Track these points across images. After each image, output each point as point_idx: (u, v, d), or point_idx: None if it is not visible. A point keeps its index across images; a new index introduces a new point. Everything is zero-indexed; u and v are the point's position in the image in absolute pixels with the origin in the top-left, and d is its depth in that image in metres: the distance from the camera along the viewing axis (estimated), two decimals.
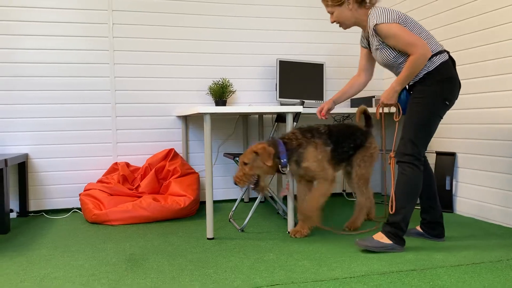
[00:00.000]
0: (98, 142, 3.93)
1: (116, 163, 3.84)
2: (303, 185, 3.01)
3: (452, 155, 3.60)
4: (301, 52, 4.41)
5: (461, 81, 2.75)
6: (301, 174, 2.90)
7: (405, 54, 2.56)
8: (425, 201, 2.79)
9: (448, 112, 3.48)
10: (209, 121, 2.85)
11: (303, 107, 3.07)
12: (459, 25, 3.53)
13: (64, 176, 3.86)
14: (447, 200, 3.62)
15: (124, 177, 3.73)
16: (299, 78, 4.18)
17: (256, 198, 3.24)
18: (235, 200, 4.28)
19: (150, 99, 4.03)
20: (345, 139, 2.98)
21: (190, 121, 4.16)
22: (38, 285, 2.11)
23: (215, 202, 4.23)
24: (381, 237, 2.57)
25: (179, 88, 4.10)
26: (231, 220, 3.42)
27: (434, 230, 2.79)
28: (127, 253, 2.62)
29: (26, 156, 3.72)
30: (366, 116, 3.16)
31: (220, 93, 3.92)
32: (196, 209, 3.70)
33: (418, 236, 2.85)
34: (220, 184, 4.25)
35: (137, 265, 2.41)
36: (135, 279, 2.19)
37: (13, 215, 3.70)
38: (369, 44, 2.77)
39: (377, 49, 2.65)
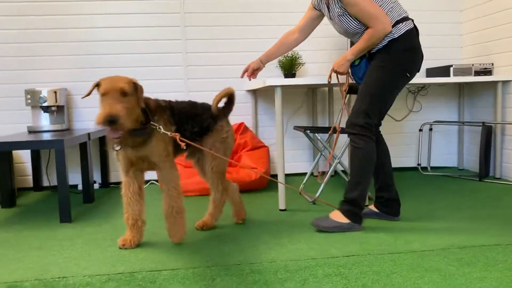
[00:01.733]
0: None
1: None
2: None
3: None
4: None
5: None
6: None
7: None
8: (381, 179, 2.60)
9: None
10: (279, 94, 2.84)
11: None
12: None
13: None
14: None
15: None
16: None
17: (326, 172, 3.22)
18: (304, 173, 4.28)
19: (220, 74, 4.08)
20: (188, 121, 2.40)
21: (259, 95, 4.18)
22: (124, 249, 2.25)
23: (285, 175, 4.24)
24: (338, 216, 2.44)
25: (249, 62, 4.11)
26: (302, 193, 3.43)
27: (391, 208, 2.62)
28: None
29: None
30: (230, 100, 2.61)
31: (290, 66, 3.89)
32: (266, 182, 3.74)
33: (371, 217, 2.67)
34: (289, 157, 4.26)
35: (214, 234, 2.49)
36: (213, 246, 2.27)
37: (95, 186, 3.95)
38: (328, 10, 2.58)
39: (339, 15, 2.49)
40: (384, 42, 2.42)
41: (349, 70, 2.55)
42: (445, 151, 4.49)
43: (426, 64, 4.33)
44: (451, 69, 3.77)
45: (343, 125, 2.71)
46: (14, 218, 2.97)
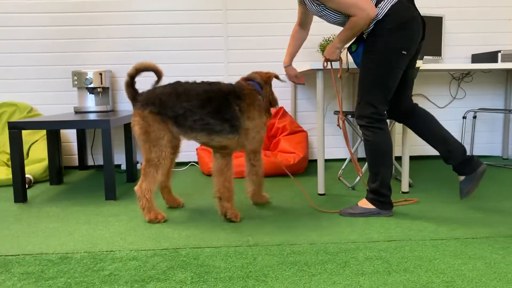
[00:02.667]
0: None
1: None
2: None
3: None
4: (418, 5, 4.14)
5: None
6: None
7: None
8: (440, 148, 2.49)
9: None
10: (321, 77, 2.83)
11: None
12: None
13: None
14: None
15: None
16: None
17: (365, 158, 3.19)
18: (343, 159, 4.26)
19: (261, 58, 4.09)
20: None
21: None
22: (168, 226, 2.32)
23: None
24: (365, 204, 2.48)
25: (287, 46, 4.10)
26: (340, 178, 3.42)
27: (466, 169, 2.46)
28: (243, 204, 2.76)
29: None
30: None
31: None
32: (305, 167, 3.74)
33: (466, 186, 2.49)
34: (329, 143, 4.24)
35: (254, 215, 2.53)
36: (253, 226, 2.31)
37: (138, 166, 4.05)
38: (306, 7, 2.54)
39: (318, 12, 2.42)
40: (371, 26, 2.34)
41: (341, 58, 2.54)
42: (489, 139, 4.36)
43: (472, 50, 4.19)
44: (499, 54, 3.64)
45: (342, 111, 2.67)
46: (62, 194, 3.09)
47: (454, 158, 2.47)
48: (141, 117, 2.35)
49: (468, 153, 4.29)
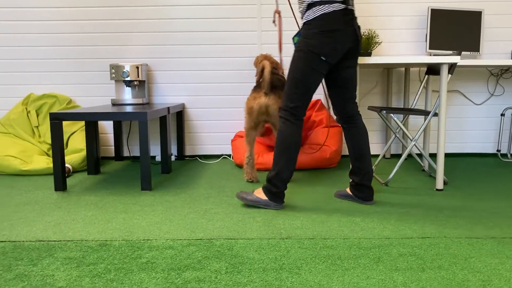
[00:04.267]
0: (247, 94, 4.13)
1: None
2: None
3: None
4: None
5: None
6: None
7: None
8: (353, 162, 2.62)
9: None
10: (357, 72, 2.81)
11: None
12: None
13: (216, 125, 4.16)
14: None
15: (268, 128, 3.90)
16: (452, 27, 3.87)
17: (400, 154, 3.16)
18: (376, 155, 4.22)
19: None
20: None
21: None
22: (202, 217, 2.37)
23: None
24: (259, 192, 2.54)
25: None
26: (373, 174, 3.39)
27: (361, 192, 2.61)
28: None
29: (183, 105, 4.09)
30: None
31: (366, 45, 3.82)
32: (337, 161, 3.73)
33: (345, 198, 2.71)
34: None
35: (287, 208, 2.55)
36: (286, 219, 2.33)
37: (172, 158, 4.13)
38: None
39: None
40: (302, 22, 2.44)
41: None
42: None
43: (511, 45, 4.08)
44: None
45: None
46: (99, 184, 3.19)
47: (359, 177, 2.59)
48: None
49: (506, 151, 4.19)
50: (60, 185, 2.98)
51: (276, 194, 2.50)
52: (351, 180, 2.66)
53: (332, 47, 2.36)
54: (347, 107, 2.59)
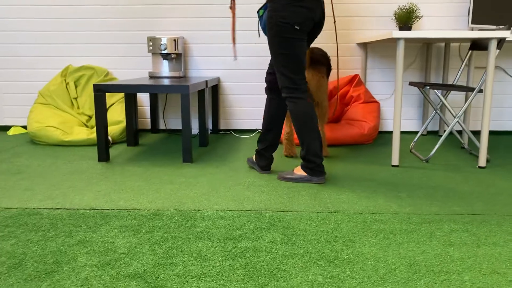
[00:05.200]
0: None
1: None
2: None
3: None
4: None
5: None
6: None
7: None
8: (263, 131, 2.71)
9: None
10: (402, 47, 2.76)
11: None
12: None
13: (249, 100, 4.16)
14: None
15: None
16: (498, 1, 3.75)
17: (436, 131, 3.12)
18: (414, 131, 4.18)
19: (331, 25, 4.03)
20: None
21: (370, 48, 4.08)
22: (247, 189, 2.40)
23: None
24: (299, 170, 2.58)
25: (361, 14, 4.01)
26: (412, 151, 3.37)
27: (261, 161, 2.74)
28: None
29: (218, 79, 4.09)
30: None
31: (406, 19, 3.74)
32: (374, 138, 3.71)
33: (251, 165, 2.84)
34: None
35: (329, 183, 2.56)
36: (331, 193, 2.34)
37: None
38: None
39: None
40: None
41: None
42: None
43: None
44: None
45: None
46: (140, 155, 3.24)
47: (264, 146, 2.71)
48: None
49: None
50: (104, 156, 3.04)
51: (313, 169, 2.53)
52: (257, 147, 2.78)
53: (304, 16, 2.40)
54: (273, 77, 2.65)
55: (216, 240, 1.76)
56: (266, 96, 2.74)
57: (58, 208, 2.12)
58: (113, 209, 2.10)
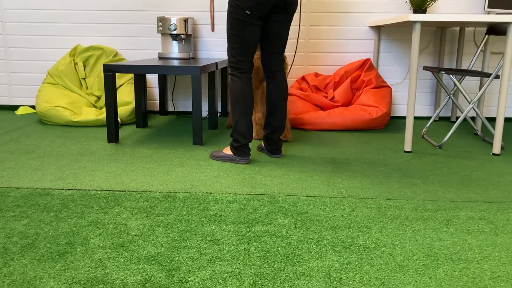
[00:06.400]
0: (291, 51, 4.05)
1: (303, 77, 3.93)
2: None
3: None
4: None
5: None
6: None
7: None
8: (267, 116, 2.70)
9: None
10: (418, 30, 2.70)
11: None
12: None
13: None
14: None
15: (315, 87, 3.83)
16: None
17: (448, 117, 3.07)
18: (426, 117, 4.12)
19: (343, 8, 3.95)
20: None
21: (383, 32, 4.00)
22: (258, 173, 2.37)
23: (405, 117, 4.13)
24: (227, 150, 2.63)
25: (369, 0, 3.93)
26: (424, 136, 3.32)
27: (270, 145, 2.72)
28: (327, 156, 2.76)
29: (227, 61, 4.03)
30: None
31: (421, 2, 3.65)
32: (385, 123, 3.66)
33: (261, 151, 2.84)
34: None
35: (342, 168, 2.53)
36: (344, 179, 2.31)
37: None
38: None
39: None
40: None
41: None
42: None
43: None
44: None
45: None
46: (149, 137, 3.22)
47: (270, 130, 2.67)
48: None
49: None
50: (113, 137, 3.01)
51: (238, 149, 2.56)
52: (264, 133, 2.75)
53: (255, 1, 2.36)
54: (269, 61, 2.62)
55: (229, 223, 1.74)
56: None
57: (69, 189, 2.10)
58: (125, 191, 2.08)
